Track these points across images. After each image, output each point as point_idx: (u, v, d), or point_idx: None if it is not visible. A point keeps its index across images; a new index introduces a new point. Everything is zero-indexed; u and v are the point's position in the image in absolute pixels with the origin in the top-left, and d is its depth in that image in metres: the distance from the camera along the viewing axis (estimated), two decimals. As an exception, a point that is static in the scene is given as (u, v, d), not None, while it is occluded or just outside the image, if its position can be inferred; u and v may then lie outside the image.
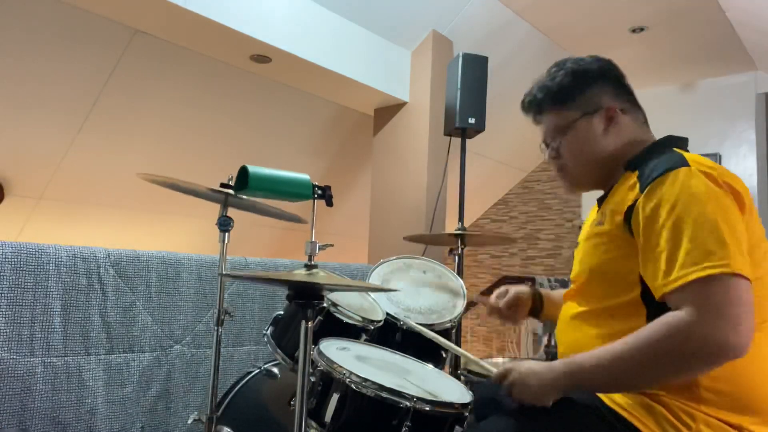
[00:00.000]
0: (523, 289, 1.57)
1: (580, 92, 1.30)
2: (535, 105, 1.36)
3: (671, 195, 1.07)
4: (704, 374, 1.05)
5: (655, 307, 1.09)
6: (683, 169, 1.09)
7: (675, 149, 1.21)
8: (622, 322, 1.13)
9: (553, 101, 1.32)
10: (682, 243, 1.03)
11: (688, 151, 1.24)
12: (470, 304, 1.62)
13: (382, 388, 1.25)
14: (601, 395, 1.13)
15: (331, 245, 1.79)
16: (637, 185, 1.15)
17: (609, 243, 1.19)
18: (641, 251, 1.11)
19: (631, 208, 1.13)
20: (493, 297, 1.59)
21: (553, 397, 1.13)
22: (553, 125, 1.33)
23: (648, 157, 1.21)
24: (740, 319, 0.97)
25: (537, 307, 1.57)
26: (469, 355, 1.52)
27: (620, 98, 1.31)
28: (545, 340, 4.79)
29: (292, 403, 1.23)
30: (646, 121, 1.34)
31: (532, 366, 1.16)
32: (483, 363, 1.45)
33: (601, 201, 1.33)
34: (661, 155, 1.18)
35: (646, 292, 1.12)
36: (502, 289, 1.60)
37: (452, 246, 2.61)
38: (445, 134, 3.13)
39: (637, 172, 1.19)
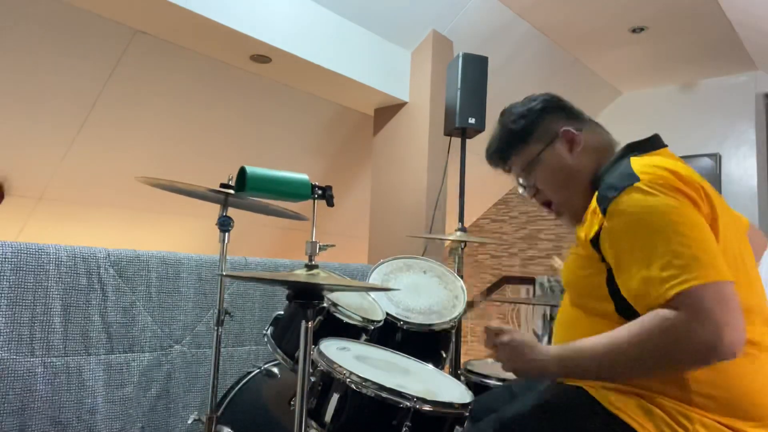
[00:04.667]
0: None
1: (534, 128, 1.36)
2: (498, 154, 1.42)
3: (630, 215, 1.09)
4: (694, 371, 1.06)
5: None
6: (635, 185, 1.10)
7: (632, 158, 1.20)
8: (611, 327, 1.13)
9: (512, 144, 1.38)
10: (655, 260, 1.04)
11: (662, 147, 1.26)
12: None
13: (382, 388, 1.25)
14: (598, 398, 1.13)
15: (333, 245, 1.79)
16: (599, 208, 1.16)
17: (582, 261, 1.22)
18: (618, 275, 1.11)
19: (598, 234, 1.14)
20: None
21: (534, 377, 1.17)
22: (521, 164, 1.38)
23: (606, 172, 1.25)
24: (728, 320, 0.99)
25: None
26: None
27: (573, 119, 1.36)
28: (545, 340, 4.79)
29: (292, 403, 1.24)
30: (603, 128, 1.38)
31: (531, 341, 1.18)
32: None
33: None
34: (614, 170, 1.20)
35: (620, 308, 1.13)
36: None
37: (452, 246, 2.61)
38: (445, 134, 3.13)
39: (597, 193, 1.20)
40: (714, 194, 1.13)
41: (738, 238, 1.18)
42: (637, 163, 1.17)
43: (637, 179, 1.11)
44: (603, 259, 1.15)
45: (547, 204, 1.39)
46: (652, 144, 1.27)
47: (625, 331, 1.06)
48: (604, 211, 1.13)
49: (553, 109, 1.38)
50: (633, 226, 1.09)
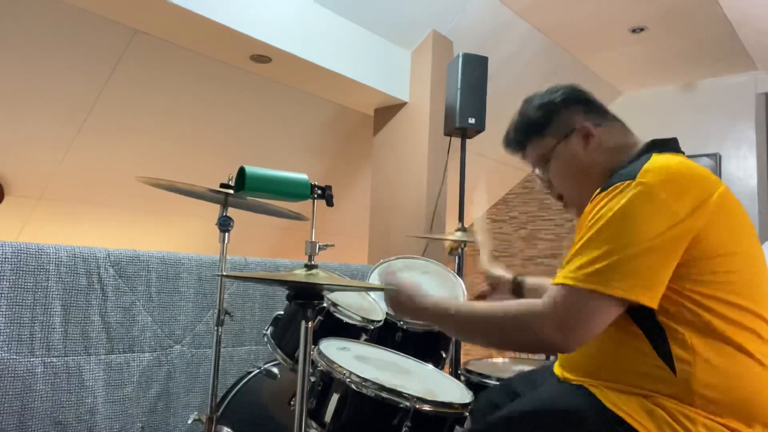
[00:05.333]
0: (503, 273, 1.71)
1: (551, 120, 1.36)
2: (515, 143, 1.44)
3: (595, 208, 1.12)
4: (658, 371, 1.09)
5: (643, 318, 1.10)
6: (624, 183, 1.10)
7: (654, 154, 1.19)
8: (614, 327, 1.13)
9: (529, 134, 1.39)
10: (574, 249, 1.12)
11: (676, 150, 1.24)
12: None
13: (382, 388, 1.25)
14: (600, 398, 1.13)
15: (332, 245, 1.79)
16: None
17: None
18: None
19: None
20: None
21: (406, 313, 1.33)
22: (536, 156, 1.40)
23: (624, 167, 1.23)
24: (576, 329, 1.07)
25: (517, 296, 1.67)
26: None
27: (591, 115, 1.35)
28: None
29: (292, 403, 1.24)
30: (626, 127, 1.36)
31: (411, 293, 1.31)
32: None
33: None
34: (630, 166, 1.19)
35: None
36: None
37: (452, 246, 2.61)
38: (445, 134, 3.13)
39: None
40: (716, 202, 1.09)
41: (756, 247, 1.17)
42: (654, 160, 1.15)
43: (633, 177, 1.10)
44: None
45: (560, 197, 1.40)
46: (672, 146, 1.25)
47: (503, 306, 1.18)
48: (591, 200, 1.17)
49: (573, 102, 1.37)
50: (593, 216, 1.12)
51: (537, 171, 1.42)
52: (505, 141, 1.46)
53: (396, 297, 1.33)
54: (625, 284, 1.04)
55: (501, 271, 1.73)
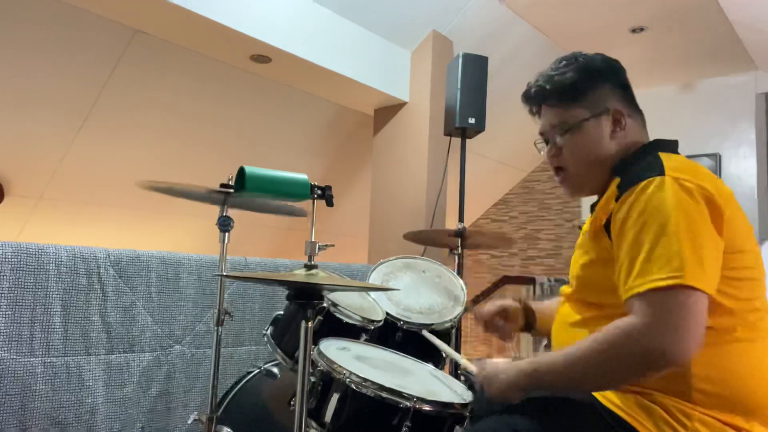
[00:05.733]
0: (511, 302, 1.55)
1: (589, 91, 1.26)
2: (541, 96, 1.31)
3: (639, 205, 1.08)
4: (651, 378, 1.07)
5: None
6: (657, 178, 1.08)
7: (660, 153, 1.19)
8: None
9: (561, 97, 1.27)
10: (641, 253, 1.04)
11: (678, 153, 1.24)
12: (474, 301, 1.62)
13: (382, 388, 1.25)
14: (597, 396, 1.14)
15: (332, 245, 1.79)
16: (616, 194, 1.15)
17: (594, 255, 1.20)
18: (615, 258, 1.12)
19: (610, 218, 1.14)
20: (483, 309, 1.57)
21: (517, 394, 1.16)
22: (558, 121, 1.28)
23: (632, 163, 1.21)
24: (684, 330, 0.99)
25: (529, 321, 1.56)
26: (456, 356, 1.53)
27: (627, 101, 1.29)
28: (545, 339, 4.78)
29: (292, 403, 1.23)
30: (644, 125, 1.32)
31: (498, 365, 1.20)
32: (464, 362, 1.44)
33: (593, 207, 1.33)
34: (643, 161, 1.18)
35: None
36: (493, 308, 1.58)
37: (452, 246, 2.61)
38: (445, 134, 3.13)
39: (618, 179, 1.19)
40: (731, 208, 1.11)
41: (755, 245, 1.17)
42: (669, 159, 1.15)
43: (662, 173, 1.09)
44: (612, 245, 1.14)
45: (560, 168, 1.31)
46: (674, 148, 1.26)
47: (592, 340, 1.07)
48: (618, 198, 1.12)
49: (615, 79, 1.28)
50: (636, 213, 1.07)
51: (546, 132, 1.31)
52: (528, 91, 1.33)
53: (489, 388, 1.20)
54: (704, 275, 1.02)
55: (498, 306, 1.56)
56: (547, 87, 1.29)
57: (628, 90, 1.31)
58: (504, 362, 1.20)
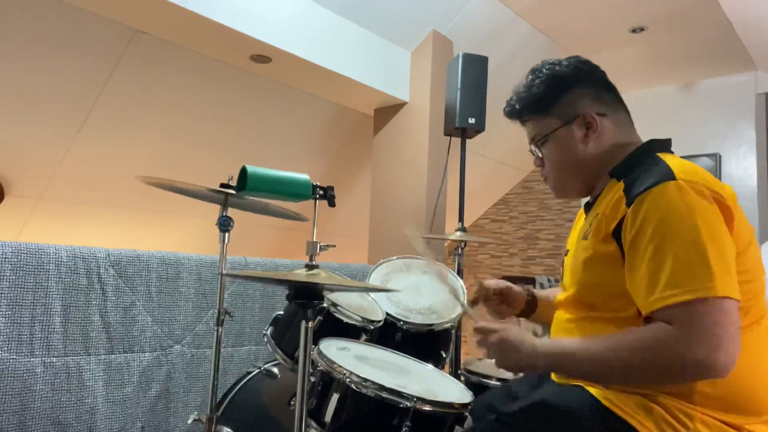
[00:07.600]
0: (517, 287, 1.57)
1: (556, 100, 1.29)
2: (516, 114, 1.37)
3: (657, 211, 1.06)
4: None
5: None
6: (671, 183, 1.07)
7: (659, 154, 1.19)
8: (619, 329, 1.13)
9: (531, 110, 1.34)
10: (666, 263, 1.03)
11: (672, 152, 1.24)
12: (474, 302, 1.60)
13: (382, 388, 1.25)
14: (598, 396, 1.14)
15: (333, 246, 1.79)
16: (624, 199, 1.13)
17: (599, 260, 1.18)
18: (627, 268, 1.11)
19: (620, 223, 1.12)
20: (489, 281, 1.58)
21: (523, 371, 1.19)
22: (535, 133, 1.34)
23: (633, 165, 1.21)
24: (721, 341, 0.98)
25: (530, 307, 1.57)
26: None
27: (599, 102, 1.29)
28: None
29: (292, 403, 1.24)
30: (630, 123, 1.32)
31: (517, 338, 1.18)
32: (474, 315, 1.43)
33: (588, 207, 1.32)
34: (646, 164, 1.17)
35: None
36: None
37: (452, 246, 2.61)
38: (445, 134, 3.13)
39: (623, 183, 1.17)
40: (736, 208, 1.11)
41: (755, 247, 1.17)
42: (672, 161, 1.14)
43: (672, 176, 1.08)
44: (622, 251, 1.13)
45: (545, 176, 1.37)
46: (668, 146, 1.26)
47: (623, 338, 1.07)
48: (630, 203, 1.11)
49: (583, 82, 1.29)
50: (656, 221, 1.06)
51: (532, 147, 1.36)
52: (507, 108, 1.39)
53: (501, 354, 1.19)
54: (733, 282, 1.02)
55: (504, 284, 1.59)
56: (517, 106, 1.36)
57: (603, 90, 1.30)
58: (523, 337, 1.18)
